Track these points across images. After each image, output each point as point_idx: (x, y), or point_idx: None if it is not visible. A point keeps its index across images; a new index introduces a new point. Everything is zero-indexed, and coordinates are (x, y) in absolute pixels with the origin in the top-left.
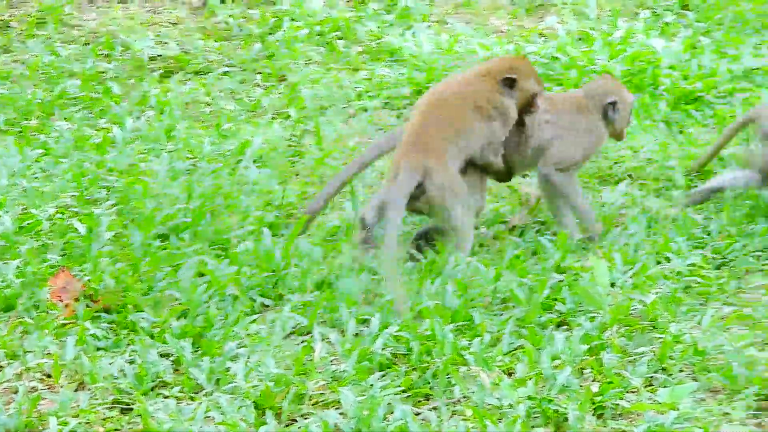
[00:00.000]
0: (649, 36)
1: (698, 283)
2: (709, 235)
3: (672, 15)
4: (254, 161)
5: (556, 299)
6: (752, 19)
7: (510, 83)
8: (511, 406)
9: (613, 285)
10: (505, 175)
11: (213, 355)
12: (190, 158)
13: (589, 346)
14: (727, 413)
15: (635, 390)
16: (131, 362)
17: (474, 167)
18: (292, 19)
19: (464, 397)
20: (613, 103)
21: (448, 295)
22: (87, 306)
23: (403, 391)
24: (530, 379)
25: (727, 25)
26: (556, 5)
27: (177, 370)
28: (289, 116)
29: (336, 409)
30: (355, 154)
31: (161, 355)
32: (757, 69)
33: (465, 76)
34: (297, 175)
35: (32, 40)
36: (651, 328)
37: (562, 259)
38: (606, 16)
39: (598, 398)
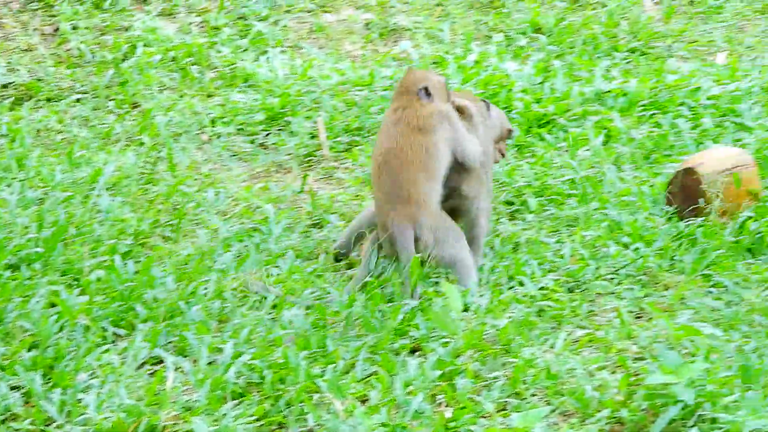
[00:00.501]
0: (502, 60)
1: (551, 306)
2: (561, 258)
3: (525, 38)
4: (107, 189)
5: (409, 325)
6: (603, 42)
7: (426, 91)
8: None
9: (466, 309)
10: None
11: (64, 386)
12: (42, 187)
13: (442, 372)
14: None
15: (488, 415)
16: None
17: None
18: (146, 45)
19: (318, 425)
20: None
21: (301, 320)
22: None
23: (257, 420)
24: (384, 406)
25: (579, 49)
26: (410, 30)
27: (28, 402)
28: (142, 143)
29: None
30: (208, 180)
31: (11, 388)
32: (609, 92)
33: (386, 120)
34: (151, 202)
35: None
36: (504, 352)
37: (414, 285)
38: (460, 40)
39: (452, 424)
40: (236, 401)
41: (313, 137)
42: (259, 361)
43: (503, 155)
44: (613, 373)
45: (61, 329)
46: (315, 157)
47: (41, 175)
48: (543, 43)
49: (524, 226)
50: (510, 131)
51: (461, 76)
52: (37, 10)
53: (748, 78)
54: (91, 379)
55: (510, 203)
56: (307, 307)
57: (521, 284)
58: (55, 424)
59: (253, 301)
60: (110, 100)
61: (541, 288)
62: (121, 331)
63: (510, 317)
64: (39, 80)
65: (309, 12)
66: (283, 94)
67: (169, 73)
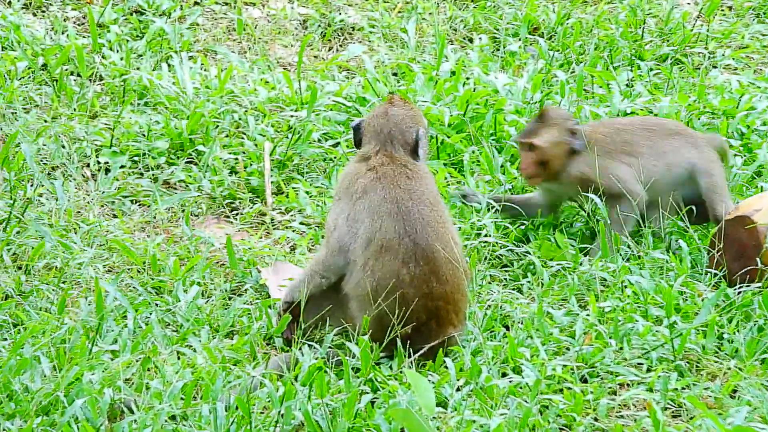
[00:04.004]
0: (487, 70)
1: (559, 400)
2: (572, 336)
3: (518, 42)
4: None
5: (368, 425)
6: (623, 47)
7: None
8: None
9: (444, 405)
10: None
11: None
12: None
13: None
14: None
15: None
16: None
17: None
18: (6, 48)
19: None
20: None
21: (220, 419)
22: None
23: None
24: None
25: (591, 56)
26: (362, 29)
27: None
28: (5, 180)
29: None
30: (94, 230)
31: None
32: (631, 113)
33: None
34: (17, 261)
35: None
36: None
37: (367, 371)
38: (429, 43)
39: None
40: None
41: (233, 173)
42: None
43: None
44: None
45: None
46: (238, 200)
47: None
48: (542, 47)
49: (522, 293)
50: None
51: (432, 91)
52: None
53: None
54: None
55: (503, 263)
56: (229, 406)
57: (518, 371)
58: None
59: (155, 391)
60: None
61: (547, 377)
62: None
63: (504, 415)
64: None
65: (227, 4)
66: (193, 115)
67: (39, 85)
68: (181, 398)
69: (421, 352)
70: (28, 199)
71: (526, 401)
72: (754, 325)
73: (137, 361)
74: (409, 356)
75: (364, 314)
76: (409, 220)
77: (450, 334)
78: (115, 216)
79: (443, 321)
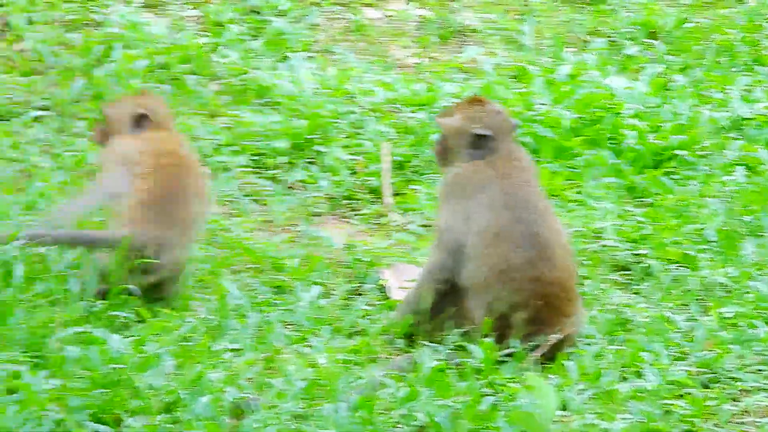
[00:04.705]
0: (605, 73)
1: (680, 406)
2: (691, 341)
3: (635, 45)
4: None
5: (489, 428)
6: (742, 52)
7: None
8: None
9: (564, 408)
10: None
11: None
12: None
13: None
14: None
15: None
16: None
17: None
18: (126, 46)
19: None
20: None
21: (341, 417)
22: None
23: None
24: None
25: (709, 60)
26: (479, 31)
27: None
28: None
29: None
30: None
31: None
32: (750, 119)
33: None
34: None
35: None
36: None
37: (488, 372)
38: (547, 46)
39: None
40: None
41: (353, 173)
42: None
43: None
44: None
45: (24, 423)
46: (357, 201)
47: None
48: (660, 51)
49: (641, 297)
50: None
51: (551, 94)
52: None
53: None
54: None
55: (621, 267)
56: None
57: (639, 375)
58: None
59: (277, 390)
60: (80, 120)
61: (668, 381)
62: (104, 428)
63: (626, 419)
64: None
65: (345, 6)
66: (312, 115)
67: (158, 84)
68: (303, 398)
69: (541, 350)
70: None
71: (648, 406)
72: None
73: (259, 360)
74: (530, 352)
75: (478, 304)
76: (524, 209)
77: (565, 327)
78: (235, 215)
79: (556, 309)
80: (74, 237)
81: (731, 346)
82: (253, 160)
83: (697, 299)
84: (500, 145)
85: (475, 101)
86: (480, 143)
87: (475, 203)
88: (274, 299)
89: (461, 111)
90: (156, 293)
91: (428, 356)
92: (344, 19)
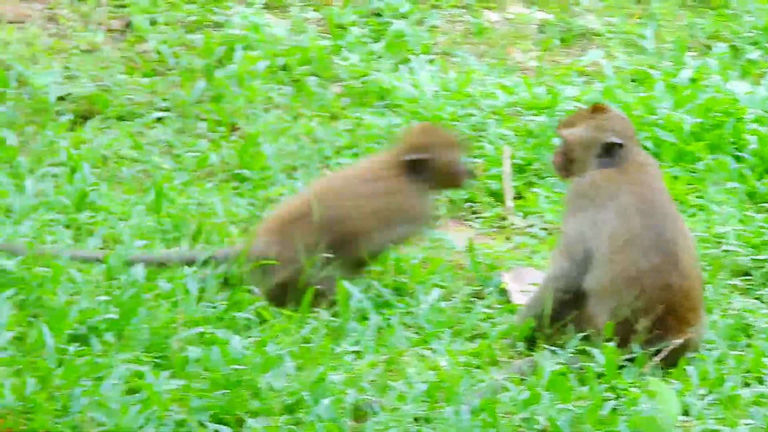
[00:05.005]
0: (726, 78)
1: None
2: None
3: (758, 50)
4: (195, 240)
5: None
6: None
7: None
8: None
9: (686, 413)
10: None
11: None
12: (111, 233)
13: None
14: None
15: None
16: None
17: None
18: (247, 48)
19: None
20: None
21: (462, 420)
22: None
23: None
24: None
25: None
26: (600, 34)
27: None
28: (244, 179)
29: None
30: None
31: None
32: None
33: None
34: None
35: None
36: None
37: (610, 377)
38: (668, 50)
39: None
40: None
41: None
42: None
43: None
44: None
45: (146, 423)
46: (478, 204)
47: (110, 218)
48: None
49: (763, 303)
50: None
51: (672, 98)
52: None
53: None
54: None
55: (743, 272)
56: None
57: (761, 381)
58: None
59: (398, 393)
60: (201, 121)
61: None
62: (225, 429)
63: (748, 425)
64: (106, 91)
65: (465, 8)
66: (433, 118)
67: (279, 86)
68: (424, 400)
69: (662, 354)
70: (267, 197)
71: None
72: None
73: (380, 362)
74: (651, 357)
75: (602, 309)
76: (656, 215)
77: (688, 335)
78: None
79: (681, 316)
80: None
81: None
82: None
83: None
84: (629, 151)
85: (598, 110)
86: (611, 151)
87: (607, 210)
88: (396, 301)
89: (586, 120)
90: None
91: (549, 360)
92: (464, 21)
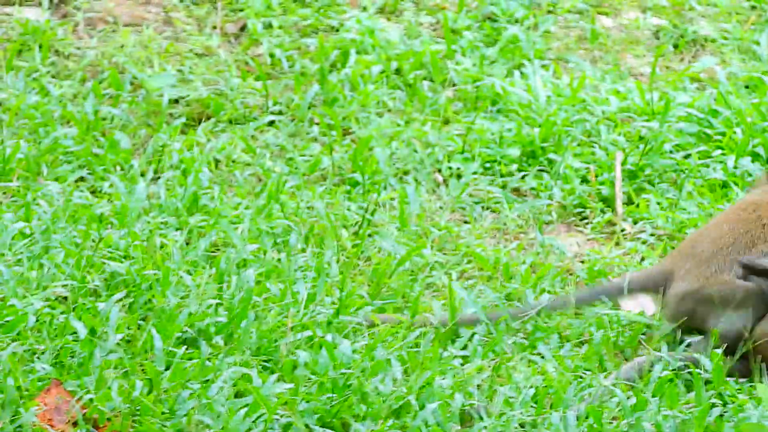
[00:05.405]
0: None
1: None
2: None
3: None
4: (307, 241)
5: None
6: None
7: None
8: None
9: None
10: None
11: None
12: (223, 237)
13: None
14: None
15: None
16: None
17: None
18: (361, 52)
19: None
20: None
21: (569, 426)
22: None
23: None
24: None
25: None
26: (714, 40)
27: None
28: (356, 183)
29: None
30: (445, 236)
31: None
32: None
33: None
34: (369, 263)
35: (12, 73)
36: None
37: (718, 383)
38: None
39: None
40: None
41: (584, 182)
42: None
43: None
44: None
45: (253, 426)
46: (588, 209)
47: (221, 221)
48: None
49: None
50: None
51: None
52: (216, 2)
53: None
54: None
55: None
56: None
57: None
58: None
59: (505, 398)
60: (314, 124)
61: None
62: None
63: None
64: (219, 95)
65: (579, 14)
66: (545, 123)
67: (392, 90)
68: (532, 406)
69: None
70: (377, 202)
71: None
72: None
73: (487, 366)
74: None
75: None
76: None
77: None
78: (466, 222)
79: None
80: None
81: None
82: (485, 167)
83: None
84: None
85: None
86: None
87: None
88: (505, 306)
89: None
90: None
91: (657, 366)
92: (579, 27)
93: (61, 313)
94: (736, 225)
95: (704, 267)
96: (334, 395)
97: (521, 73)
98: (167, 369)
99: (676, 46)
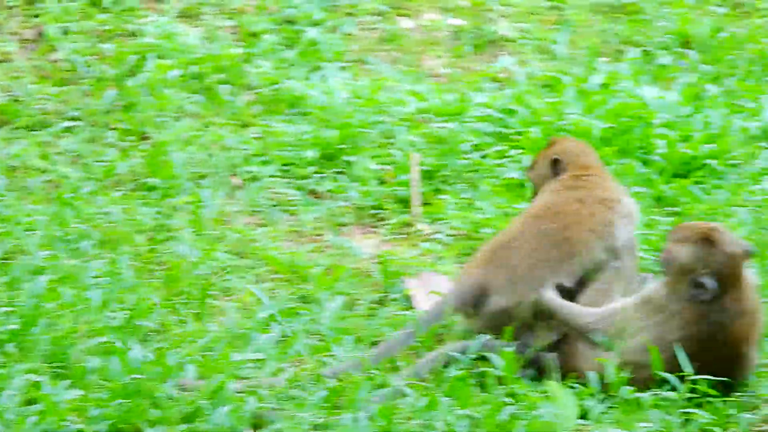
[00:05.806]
0: (638, 83)
1: (701, 414)
2: None
3: (669, 55)
4: (102, 247)
5: None
6: None
7: None
8: None
9: (584, 416)
10: None
11: None
12: (17, 244)
13: None
14: None
15: None
16: None
17: None
18: (160, 56)
19: None
20: None
21: (361, 427)
22: None
23: None
24: None
25: (742, 70)
26: (513, 41)
27: None
28: (153, 188)
29: None
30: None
31: None
32: None
33: None
34: (162, 267)
35: None
36: None
37: (509, 380)
38: (580, 55)
39: None
40: None
41: (382, 183)
42: None
43: None
44: None
45: None
46: (385, 210)
47: (15, 229)
48: (693, 61)
49: None
50: None
51: (583, 103)
52: (13, 7)
53: None
54: None
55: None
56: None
57: (659, 385)
58: None
59: (298, 399)
60: (111, 130)
61: (689, 391)
62: None
63: (646, 428)
64: (16, 101)
65: (378, 15)
66: (343, 125)
67: (191, 94)
68: (323, 407)
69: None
70: (174, 206)
71: (667, 415)
72: None
73: (282, 370)
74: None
75: None
76: None
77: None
78: (263, 225)
79: None
80: None
81: None
82: (283, 169)
83: None
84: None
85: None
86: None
87: None
88: (299, 309)
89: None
90: None
91: (450, 365)
92: (378, 29)
93: None
94: (543, 239)
95: (521, 283)
96: (126, 401)
97: (320, 75)
98: None
99: (475, 47)
